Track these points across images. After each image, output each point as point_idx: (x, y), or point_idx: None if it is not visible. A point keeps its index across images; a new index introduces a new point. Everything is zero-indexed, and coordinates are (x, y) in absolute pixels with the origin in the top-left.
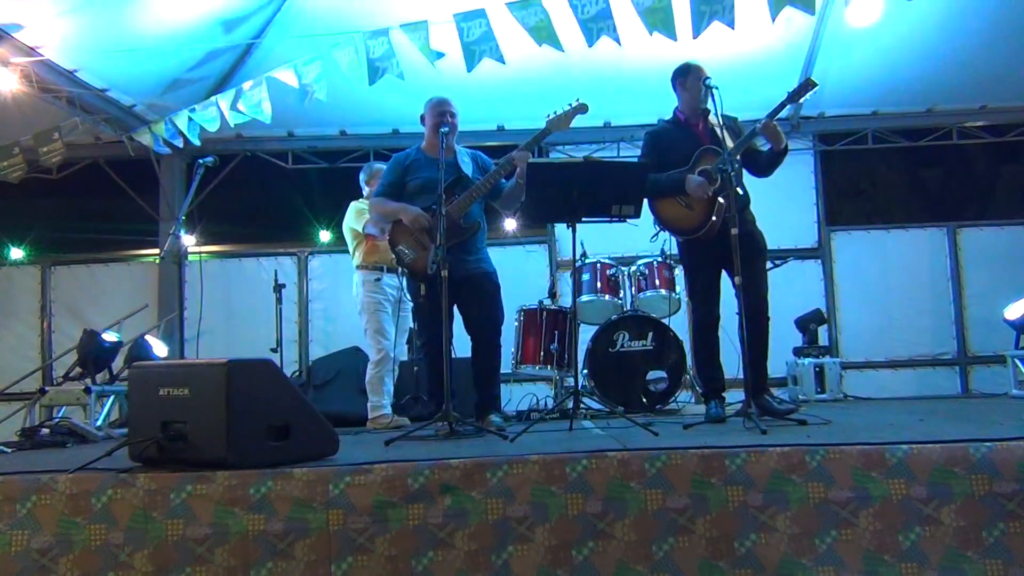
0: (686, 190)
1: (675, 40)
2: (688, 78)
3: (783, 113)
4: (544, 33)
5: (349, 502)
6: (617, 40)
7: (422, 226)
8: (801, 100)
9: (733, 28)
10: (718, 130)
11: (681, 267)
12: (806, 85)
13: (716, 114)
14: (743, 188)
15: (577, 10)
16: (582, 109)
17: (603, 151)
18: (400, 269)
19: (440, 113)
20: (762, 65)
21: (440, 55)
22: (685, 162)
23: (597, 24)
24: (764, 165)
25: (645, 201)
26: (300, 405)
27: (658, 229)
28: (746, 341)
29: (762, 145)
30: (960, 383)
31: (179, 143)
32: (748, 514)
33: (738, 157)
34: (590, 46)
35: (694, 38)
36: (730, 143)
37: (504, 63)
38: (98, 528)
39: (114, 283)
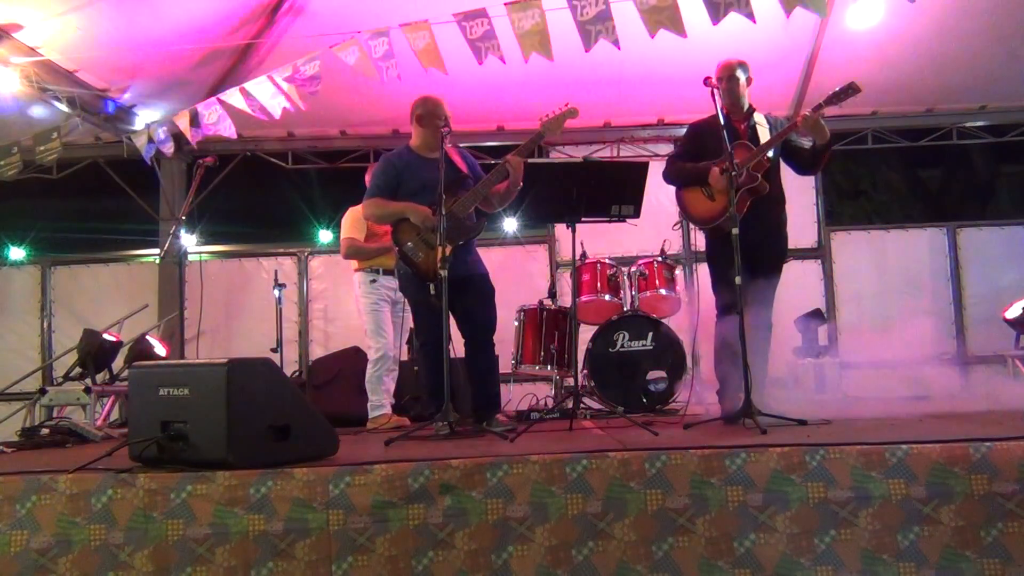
0: (708, 180)
1: (684, 37)
2: (719, 77)
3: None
4: (537, 39)
5: (349, 502)
6: (615, 44)
7: (433, 225)
8: (840, 103)
9: (754, 21)
10: (760, 129)
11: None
12: (847, 89)
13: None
14: (779, 187)
15: (577, 11)
16: (572, 113)
17: (603, 151)
18: (398, 269)
19: (442, 115)
20: (762, 65)
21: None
22: (719, 155)
23: (595, 27)
24: (808, 161)
25: (672, 189)
26: (300, 405)
27: (681, 219)
28: (744, 345)
29: (806, 142)
30: None
31: (169, 149)
32: (747, 514)
33: (770, 154)
34: (587, 50)
35: (714, 26)
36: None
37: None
38: (98, 528)
39: (114, 283)
